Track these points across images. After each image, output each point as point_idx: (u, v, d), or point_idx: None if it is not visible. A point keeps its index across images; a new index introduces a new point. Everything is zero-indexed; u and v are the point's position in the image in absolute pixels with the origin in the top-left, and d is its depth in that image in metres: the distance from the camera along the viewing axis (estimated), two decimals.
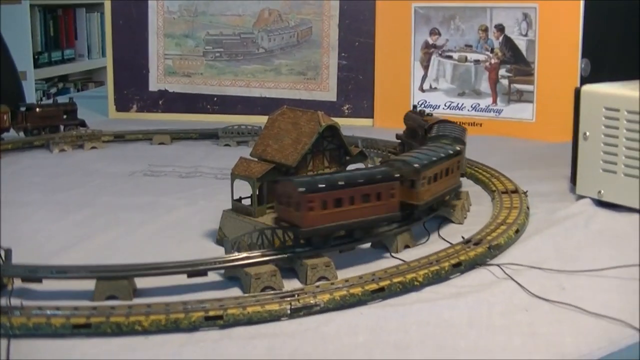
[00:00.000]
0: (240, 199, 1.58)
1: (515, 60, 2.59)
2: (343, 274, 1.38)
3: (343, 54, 2.86)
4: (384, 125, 2.76)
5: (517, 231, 1.57)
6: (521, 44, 2.57)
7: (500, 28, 2.60)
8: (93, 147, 2.48)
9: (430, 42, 2.71)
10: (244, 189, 1.57)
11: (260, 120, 2.60)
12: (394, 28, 2.77)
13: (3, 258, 1.35)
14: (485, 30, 2.62)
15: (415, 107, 2.37)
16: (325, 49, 2.87)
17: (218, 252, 1.50)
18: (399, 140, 2.07)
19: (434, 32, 2.70)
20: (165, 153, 2.44)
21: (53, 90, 6.76)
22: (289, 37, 2.90)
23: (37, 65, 6.05)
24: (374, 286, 1.29)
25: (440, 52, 2.70)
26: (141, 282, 1.34)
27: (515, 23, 2.58)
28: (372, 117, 2.83)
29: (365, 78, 2.83)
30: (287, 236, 1.41)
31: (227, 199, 1.72)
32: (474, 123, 2.63)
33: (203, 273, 1.34)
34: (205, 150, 2.47)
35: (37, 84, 6.07)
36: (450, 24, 2.68)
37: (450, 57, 2.69)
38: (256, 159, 1.58)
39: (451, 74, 2.70)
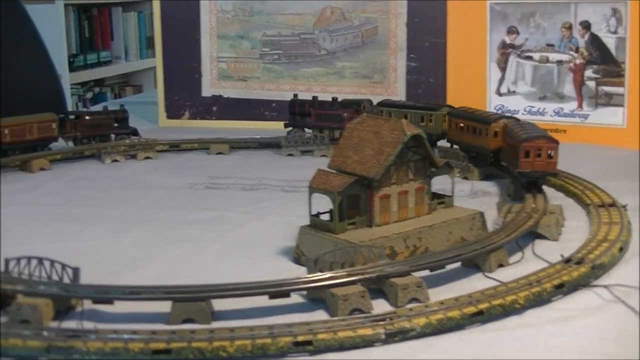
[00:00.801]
0: (318, 214, 1.58)
1: (603, 60, 2.57)
2: (434, 294, 1.38)
3: (412, 56, 2.86)
4: None
5: (620, 249, 1.55)
6: (610, 42, 2.55)
7: (585, 25, 2.58)
8: (147, 157, 2.50)
9: (508, 41, 2.70)
10: (318, 203, 1.57)
11: None
12: (467, 27, 2.76)
13: (71, 277, 1.37)
14: (569, 27, 2.60)
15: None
16: (392, 50, 2.87)
17: (296, 271, 1.52)
18: None
19: (512, 30, 2.69)
20: (225, 164, 2.46)
21: (89, 95, 6.81)
22: (352, 37, 2.91)
23: (72, 68, 6.09)
24: (472, 309, 1.28)
25: (519, 53, 2.69)
26: (217, 304, 1.35)
27: (603, 19, 2.56)
28: None
29: (436, 81, 2.83)
30: (372, 253, 1.42)
31: (298, 214, 1.73)
32: (557, 129, 2.60)
33: (286, 294, 1.35)
34: (267, 160, 2.48)
35: (72, 89, 6.12)
36: (530, 21, 2.66)
37: (530, 58, 2.68)
38: (335, 171, 1.59)
39: (531, 76, 2.68)
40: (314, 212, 1.59)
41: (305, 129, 2.57)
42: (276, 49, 2.97)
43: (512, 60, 2.70)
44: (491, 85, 2.73)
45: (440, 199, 1.68)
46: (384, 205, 1.57)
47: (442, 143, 2.35)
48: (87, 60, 6.64)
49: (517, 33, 2.68)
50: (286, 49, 2.96)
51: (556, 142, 1.81)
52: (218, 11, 3.00)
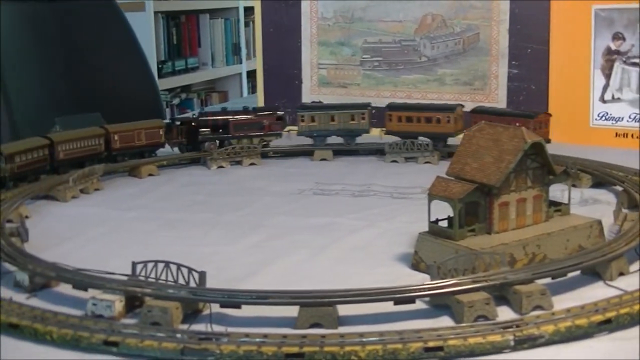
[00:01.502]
0: (437, 221, 1.60)
1: None
2: (556, 302, 1.39)
3: (513, 62, 2.86)
4: (559, 139, 2.73)
5: None
6: None
7: None
8: (252, 164, 2.54)
9: (613, 47, 2.69)
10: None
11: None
12: (571, 33, 2.76)
13: (197, 281, 1.41)
14: None
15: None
16: (494, 57, 2.88)
17: (415, 277, 1.54)
18: None
19: (618, 36, 2.68)
20: (330, 170, 2.49)
21: (176, 101, 6.91)
22: (453, 44, 2.92)
23: (160, 75, 6.19)
24: (599, 317, 1.29)
25: (624, 59, 2.68)
26: (342, 310, 1.37)
27: None
28: None
29: (538, 88, 2.82)
30: (494, 260, 1.43)
31: (409, 220, 1.76)
32: None
33: (411, 300, 1.37)
34: (371, 166, 2.51)
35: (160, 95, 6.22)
36: (637, 27, 2.65)
37: (636, 65, 2.66)
38: (453, 178, 1.60)
39: (637, 83, 2.67)
40: (432, 219, 1.61)
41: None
42: (377, 55, 2.99)
43: (617, 67, 2.69)
44: (595, 92, 2.72)
45: (557, 207, 1.68)
46: (503, 212, 1.58)
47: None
48: (175, 67, 6.74)
49: (623, 39, 2.67)
50: (387, 55, 2.98)
51: None
52: (319, 18, 3.03)
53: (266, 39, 3.09)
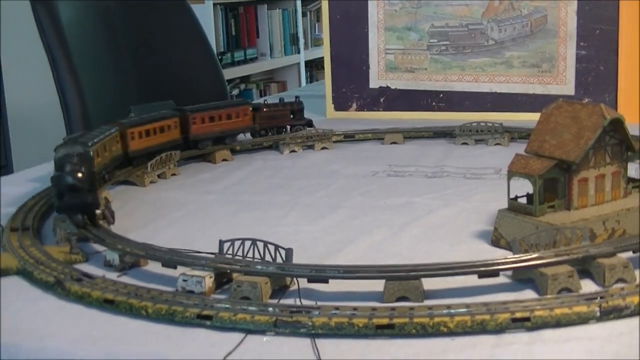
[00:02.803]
0: (516, 198, 1.63)
1: None
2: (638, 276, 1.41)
3: (582, 44, 2.87)
4: (629, 120, 2.68)
5: None
6: None
7: None
8: (324, 148, 2.58)
9: None
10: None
11: (491, 117, 2.68)
12: None
13: (284, 258, 1.45)
14: None
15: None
16: (561, 39, 2.88)
17: (496, 253, 1.57)
18: None
19: None
20: (402, 153, 2.52)
21: (235, 91, 6.97)
22: (521, 26, 2.93)
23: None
24: None
25: None
26: (427, 284, 1.40)
27: None
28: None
29: (607, 69, 2.83)
30: (575, 235, 1.45)
31: (484, 200, 1.79)
32: None
33: (495, 274, 1.40)
34: (442, 149, 2.53)
35: None
36: None
37: None
38: (533, 155, 1.63)
39: None
40: (511, 195, 1.63)
41: None
42: (444, 40, 3.01)
43: None
44: None
45: (636, 183, 1.70)
46: (582, 188, 1.60)
47: None
48: (234, 58, 6.80)
49: None
50: (454, 39, 3.00)
51: None
52: (386, 4, 3.05)
53: (333, 26, 3.12)
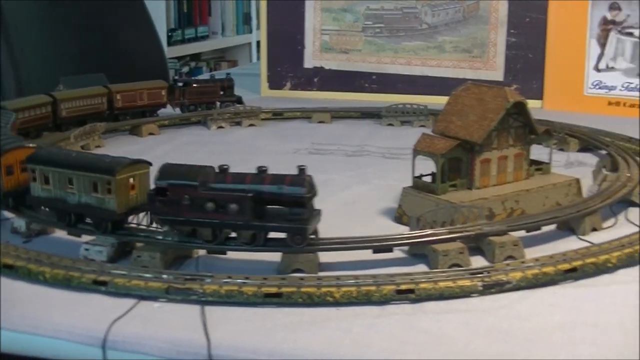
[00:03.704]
0: (420, 176, 1.66)
1: None
2: (530, 254, 1.45)
3: (512, 31, 2.91)
4: (554, 107, 2.80)
5: None
6: None
7: None
8: (251, 125, 2.61)
9: (609, 17, 2.74)
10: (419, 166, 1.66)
11: (422, 99, 2.72)
12: (569, 3, 2.81)
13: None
14: None
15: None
16: (493, 25, 2.93)
17: (398, 229, 1.61)
18: None
19: (614, 7, 2.73)
20: (327, 131, 2.55)
21: (185, 69, 6.95)
22: (454, 12, 2.97)
23: (169, 43, 6.23)
24: (566, 266, 1.36)
25: (619, 29, 2.73)
26: (323, 257, 1.44)
27: None
28: (541, 98, 2.87)
29: (535, 57, 2.88)
30: (472, 214, 1.50)
31: (400, 178, 1.81)
32: None
33: (388, 249, 1.44)
34: (368, 129, 2.57)
35: (169, 62, 6.26)
36: None
37: (630, 34, 2.72)
38: (439, 135, 1.67)
39: (631, 53, 2.72)
40: (416, 174, 1.67)
41: None
42: (378, 22, 3.05)
43: (613, 36, 2.74)
44: (590, 61, 2.77)
45: (538, 166, 1.75)
46: (484, 169, 1.64)
47: None
48: (184, 35, 6.77)
49: (619, 9, 2.72)
50: (388, 22, 3.04)
51: None
52: None
53: (271, 5, 3.14)
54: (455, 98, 1.71)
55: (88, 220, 1.51)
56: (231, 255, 1.44)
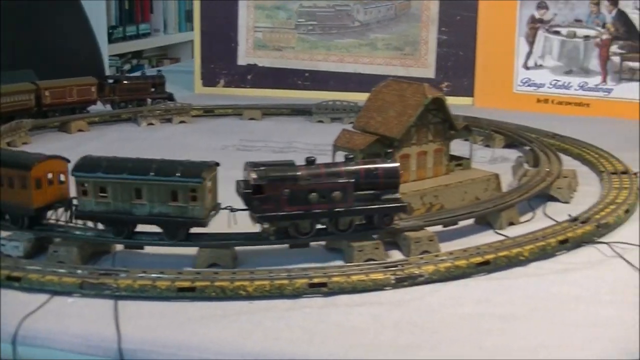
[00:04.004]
0: None
1: (629, 36, 2.64)
2: (447, 248, 1.47)
3: (443, 29, 2.94)
4: (484, 104, 2.84)
5: (627, 211, 1.64)
6: (636, 18, 2.62)
7: (613, 1, 2.65)
8: (182, 122, 2.61)
9: (537, 16, 2.78)
10: None
11: (354, 97, 2.73)
12: (498, 2, 2.84)
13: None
14: (597, 3, 2.68)
15: None
16: (424, 23, 2.95)
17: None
18: None
19: (542, 5, 2.76)
20: (257, 128, 2.56)
21: (127, 66, 6.91)
22: (386, 10, 2.99)
23: (110, 40, 6.19)
24: (478, 259, 1.38)
25: (547, 27, 2.77)
26: (242, 252, 1.45)
27: None
28: (472, 95, 2.90)
29: (466, 54, 2.91)
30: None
31: None
32: (581, 103, 2.69)
33: (304, 244, 1.45)
34: (298, 126, 2.58)
35: (110, 60, 6.22)
36: None
37: (557, 33, 2.76)
38: (359, 131, 1.68)
39: (558, 51, 2.76)
40: None
41: None
42: (311, 20, 3.06)
43: (541, 34, 2.78)
44: (519, 59, 2.81)
45: (458, 161, 1.77)
46: (404, 164, 1.65)
47: None
48: (126, 33, 6.73)
49: (547, 8, 2.76)
50: (321, 20, 3.05)
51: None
52: None
53: (204, 2, 3.14)
54: (376, 94, 1.73)
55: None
56: (150, 250, 1.44)
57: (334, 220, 1.41)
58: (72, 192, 1.45)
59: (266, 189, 1.37)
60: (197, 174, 1.39)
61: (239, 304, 1.27)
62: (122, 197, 1.40)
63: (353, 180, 1.39)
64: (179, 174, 1.39)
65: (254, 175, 1.38)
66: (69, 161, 1.51)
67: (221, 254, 1.41)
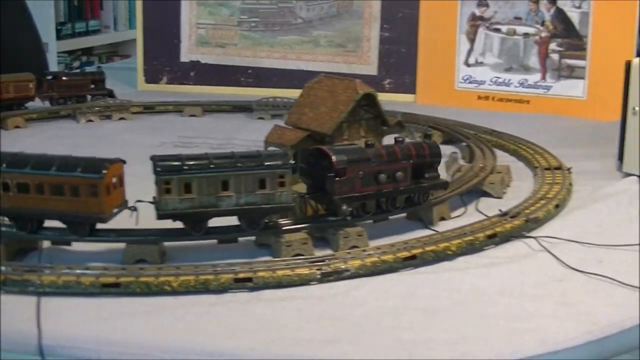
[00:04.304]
0: None
1: (567, 34, 2.66)
2: (377, 244, 1.47)
3: (385, 26, 2.95)
4: (426, 101, 2.85)
5: (557, 206, 1.66)
6: (574, 16, 2.65)
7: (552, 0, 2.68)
8: (121, 118, 2.59)
9: (478, 14, 2.79)
10: None
11: (297, 93, 2.72)
12: None
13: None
14: (536, 1, 2.70)
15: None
16: (366, 20, 2.96)
17: None
18: None
19: (482, 3, 2.78)
20: (197, 125, 2.55)
21: (76, 63, 6.86)
22: (328, 7, 2.99)
23: (59, 36, 6.13)
24: (405, 254, 1.39)
25: (487, 25, 2.78)
26: (172, 248, 1.44)
27: None
28: (414, 92, 2.91)
29: (408, 51, 2.92)
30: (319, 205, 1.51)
31: None
32: (522, 100, 2.71)
33: (233, 240, 1.45)
34: (238, 123, 2.58)
35: (59, 57, 6.18)
36: None
37: (498, 30, 2.77)
38: (291, 127, 1.68)
39: (499, 48, 2.78)
40: None
41: None
42: (254, 16, 3.05)
43: (481, 32, 2.80)
44: (460, 56, 2.82)
45: None
46: None
47: None
48: (75, 29, 6.68)
49: (487, 6, 2.77)
50: (264, 16, 3.05)
51: None
52: None
53: None
54: (308, 90, 1.73)
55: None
56: (77, 246, 1.44)
57: (393, 198, 1.51)
58: None
59: (347, 172, 1.43)
60: (283, 160, 1.43)
61: (163, 300, 1.27)
62: (209, 191, 1.40)
63: (412, 161, 1.52)
64: (267, 160, 1.42)
65: (335, 159, 1.43)
66: (125, 162, 1.50)
67: (148, 250, 1.40)
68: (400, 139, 1.53)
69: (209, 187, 1.39)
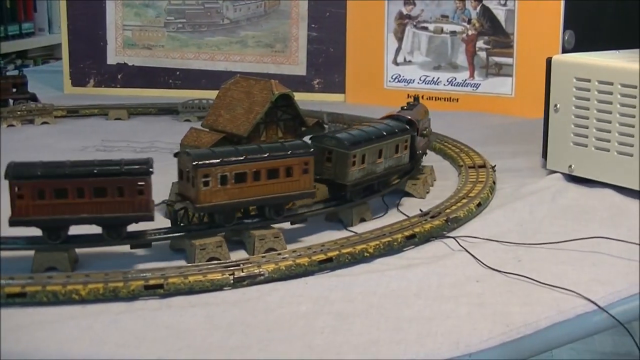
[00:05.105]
0: None
1: (494, 32, 2.67)
2: (294, 246, 1.45)
3: (313, 25, 2.93)
4: (356, 100, 2.84)
5: (479, 205, 1.65)
6: (500, 14, 2.65)
7: None
8: (44, 123, 2.55)
9: (405, 12, 2.78)
10: None
11: None
12: None
13: None
14: None
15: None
16: (294, 20, 2.94)
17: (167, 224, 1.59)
18: None
19: (409, 2, 2.77)
20: (121, 128, 2.52)
21: (10, 67, 6.77)
22: (255, 7, 2.97)
23: None
24: (321, 257, 1.37)
25: (415, 23, 2.78)
26: (84, 254, 1.41)
27: None
28: (343, 92, 2.90)
29: (336, 51, 2.90)
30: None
31: None
32: (450, 98, 2.71)
33: (147, 244, 1.42)
34: (163, 125, 2.55)
35: None
36: None
37: (425, 29, 2.77)
38: (207, 130, 1.66)
39: (426, 47, 2.77)
40: None
41: None
42: (181, 17, 3.02)
43: (409, 30, 2.79)
44: (388, 55, 2.81)
45: None
46: None
47: None
48: (8, 32, 6.60)
49: (414, 4, 2.77)
50: (190, 17, 3.02)
51: None
52: None
53: (71, 1, 3.08)
54: (225, 91, 1.70)
55: None
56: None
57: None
58: None
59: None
60: (405, 127, 1.73)
61: (71, 309, 1.24)
62: (371, 160, 1.61)
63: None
64: (397, 129, 1.71)
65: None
66: None
67: (58, 257, 1.37)
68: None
69: (372, 156, 1.62)
